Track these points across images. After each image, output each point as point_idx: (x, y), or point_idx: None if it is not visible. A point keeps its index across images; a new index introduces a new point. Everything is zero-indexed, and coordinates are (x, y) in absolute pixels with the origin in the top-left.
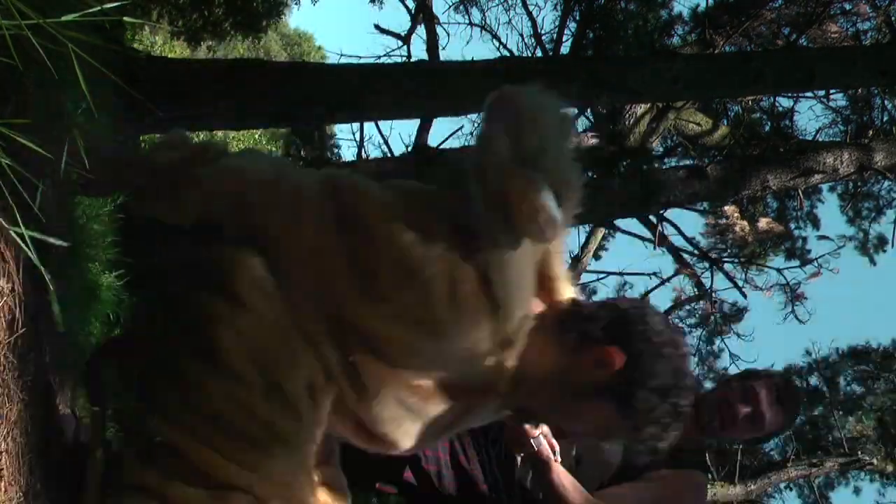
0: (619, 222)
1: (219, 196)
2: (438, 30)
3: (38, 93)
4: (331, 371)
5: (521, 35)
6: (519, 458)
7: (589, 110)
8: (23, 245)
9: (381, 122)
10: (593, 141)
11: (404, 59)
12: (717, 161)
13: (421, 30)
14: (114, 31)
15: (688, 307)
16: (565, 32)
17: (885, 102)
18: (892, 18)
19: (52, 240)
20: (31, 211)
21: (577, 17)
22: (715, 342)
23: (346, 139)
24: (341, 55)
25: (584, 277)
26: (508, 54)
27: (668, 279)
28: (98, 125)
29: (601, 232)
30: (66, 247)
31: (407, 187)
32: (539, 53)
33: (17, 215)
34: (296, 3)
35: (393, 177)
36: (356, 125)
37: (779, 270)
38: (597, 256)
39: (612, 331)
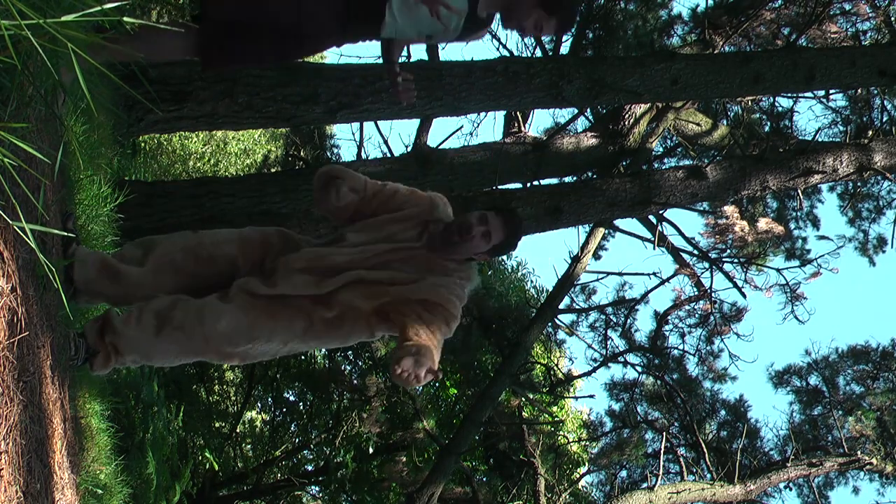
0: (619, 222)
1: None
2: None
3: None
4: None
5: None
6: None
7: (589, 110)
8: (27, 239)
9: (380, 122)
10: (593, 141)
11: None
12: (717, 161)
13: None
14: (113, 31)
15: (688, 307)
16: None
17: (885, 102)
18: (892, 18)
19: (55, 231)
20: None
21: (577, 17)
22: (715, 342)
23: (346, 139)
24: (341, 55)
25: (584, 277)
26: (508, 54)
27: (668, 279)
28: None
29: (601, 232)
30: (65, 247)
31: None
32: (539, 53)
33: (20, 212)
34: None
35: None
36: (356, 125)
37: (779, 270)
38: (597, 256)
39: None
